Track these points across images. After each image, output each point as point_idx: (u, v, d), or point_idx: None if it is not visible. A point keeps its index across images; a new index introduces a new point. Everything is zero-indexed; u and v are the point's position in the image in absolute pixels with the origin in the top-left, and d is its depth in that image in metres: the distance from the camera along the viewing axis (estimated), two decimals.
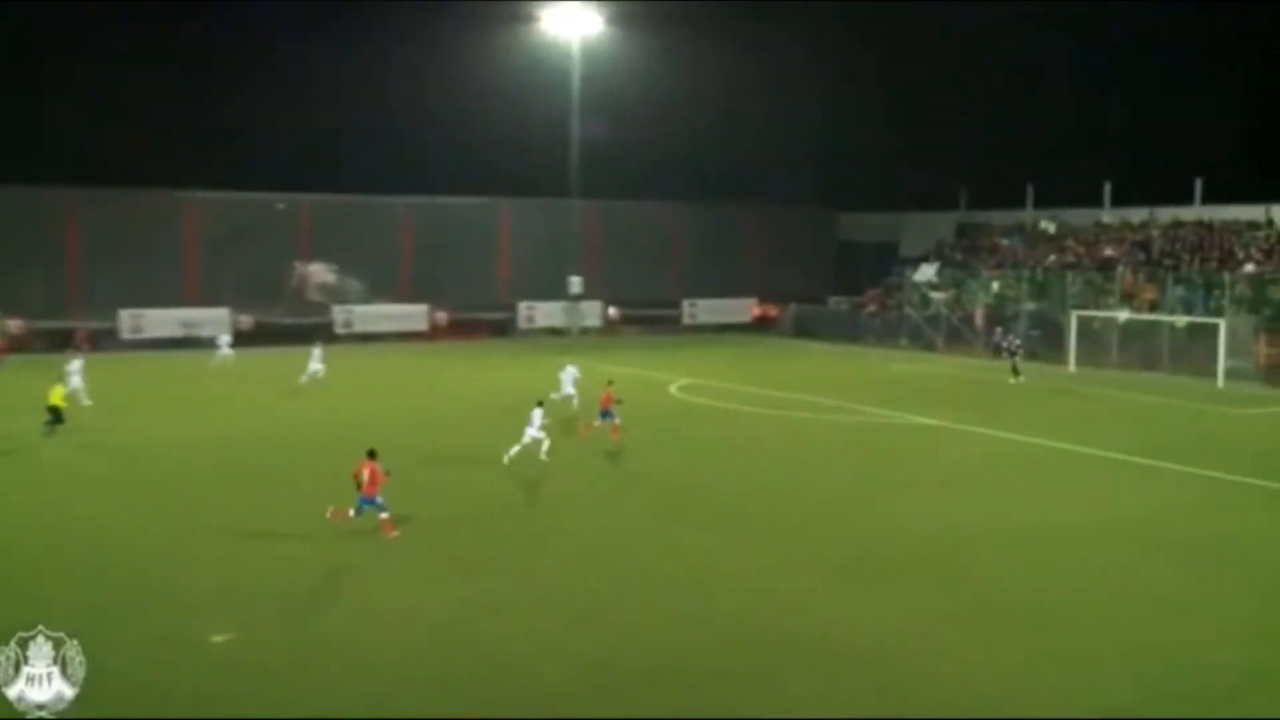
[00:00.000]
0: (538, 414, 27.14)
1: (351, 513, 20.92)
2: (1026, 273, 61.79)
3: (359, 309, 63.01)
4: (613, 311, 69.42)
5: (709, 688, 13.88)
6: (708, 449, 30.54)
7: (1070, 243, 64.43)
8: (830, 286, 74.49)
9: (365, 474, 20.66)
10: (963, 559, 19.96)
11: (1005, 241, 67.62)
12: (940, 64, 72.15)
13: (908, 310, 64.30)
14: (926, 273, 65.97)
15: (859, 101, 73.13)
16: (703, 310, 71.36)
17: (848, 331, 66.12)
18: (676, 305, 71.52)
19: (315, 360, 41.87)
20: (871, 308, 67.86)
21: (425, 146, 67.40)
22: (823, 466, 27.72)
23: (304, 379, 40.91)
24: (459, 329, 64.09)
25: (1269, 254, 56.12)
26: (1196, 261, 57.55)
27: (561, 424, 30.40)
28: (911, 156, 73.03)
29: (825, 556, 19.89)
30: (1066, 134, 70.70)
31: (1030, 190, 69.56)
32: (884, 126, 73.55)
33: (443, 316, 64.55)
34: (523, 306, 67.17)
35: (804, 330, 69.25)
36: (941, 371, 48.25)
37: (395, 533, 20.78)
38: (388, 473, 20.85)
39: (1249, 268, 55.29)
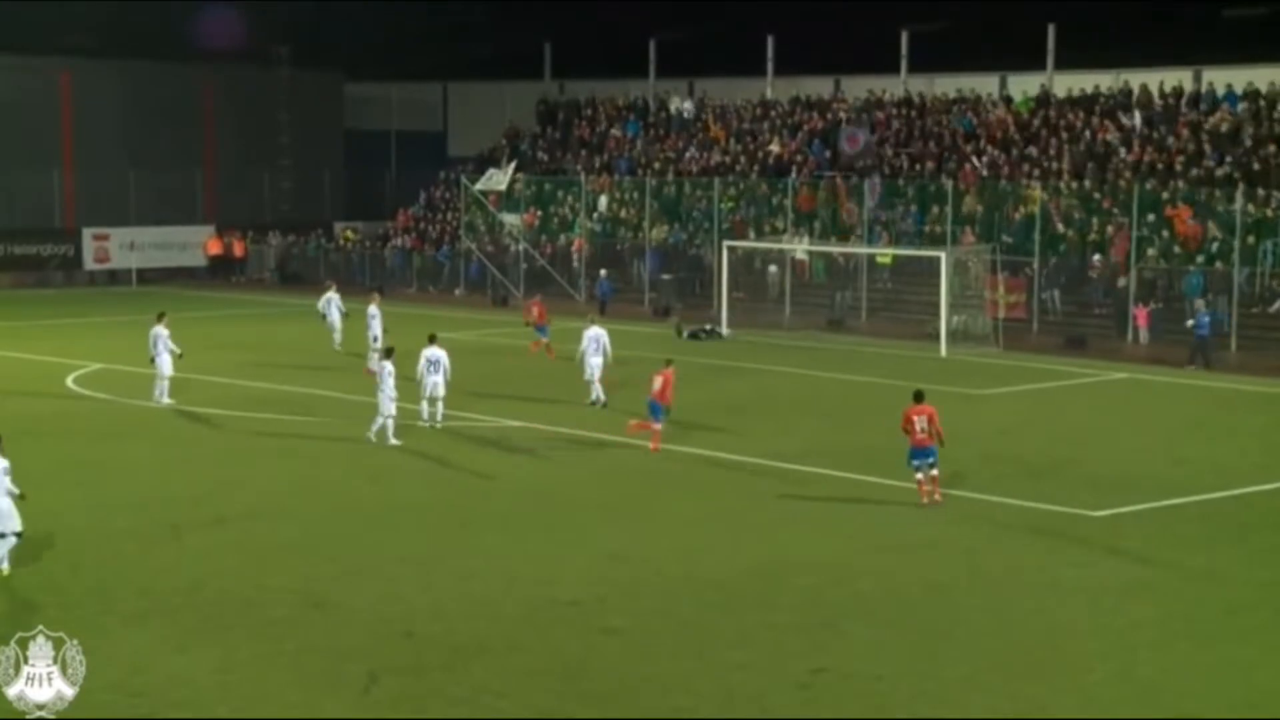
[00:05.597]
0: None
1: (656, 424, 31.08)
2: (651, 181, 63.14)
3: None
4: None
5: None
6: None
7: (718, 131, 65.98)
8: (336, 207, 75.83)
9: (659, 381, 30.86)
10: None
11: (618, 132, 69.07)
12: None
13: (468, 244, 65.61)
14: (497, 180, 66.90)
15: None
16: (125, 247, 69.96)
17: (367, 277, 65.93)
18: (73, 237, 68.91)
19: None
20: (403, 239, 69.10)
21: None
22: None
23: None
24: None
25: (1005, 146, 56.94)
26: (906, 160, 59.00)
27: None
28: None
29: None
30: None
31: (653, 48, 70.39)
32: None
33: None
34: None
35: (294, 276, 69.30)
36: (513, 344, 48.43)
37: (657, 448, 30.78)
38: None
39: (979, 167, 56.42)
